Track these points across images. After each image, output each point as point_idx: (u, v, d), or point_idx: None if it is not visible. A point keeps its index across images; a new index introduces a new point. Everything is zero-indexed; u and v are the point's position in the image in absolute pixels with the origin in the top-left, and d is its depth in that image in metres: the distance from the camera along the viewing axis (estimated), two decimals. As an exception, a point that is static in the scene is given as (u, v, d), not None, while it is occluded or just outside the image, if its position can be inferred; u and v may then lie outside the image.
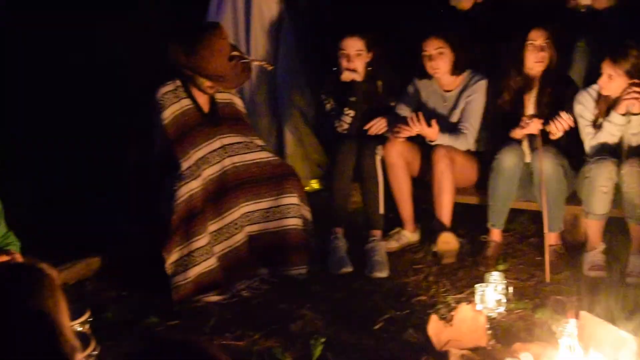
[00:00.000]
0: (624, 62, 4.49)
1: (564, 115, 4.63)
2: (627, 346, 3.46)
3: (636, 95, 4.47)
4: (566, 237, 4.87)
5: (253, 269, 4.60)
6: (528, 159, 4.86)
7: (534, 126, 4.67)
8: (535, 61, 4.80)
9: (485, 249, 4.81)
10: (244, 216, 4.59)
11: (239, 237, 4.56)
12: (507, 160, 4.73)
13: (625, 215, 4.56)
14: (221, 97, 4.65)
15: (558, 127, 4.65)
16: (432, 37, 4.93)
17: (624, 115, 4.55)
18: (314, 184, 5.61)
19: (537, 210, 4.86)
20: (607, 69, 4.54)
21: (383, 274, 4.67)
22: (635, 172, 4.44)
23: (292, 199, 4.63)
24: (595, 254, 4.61)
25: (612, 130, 4.59)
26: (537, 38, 4.77)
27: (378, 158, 4.92)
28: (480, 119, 4.98)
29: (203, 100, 4.58)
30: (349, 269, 4.72)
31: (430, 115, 4.94)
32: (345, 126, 5.03)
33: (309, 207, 4.76)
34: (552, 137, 4.69)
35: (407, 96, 5.16)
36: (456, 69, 4.99)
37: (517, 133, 4.76)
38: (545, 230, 4.63)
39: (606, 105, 4.65)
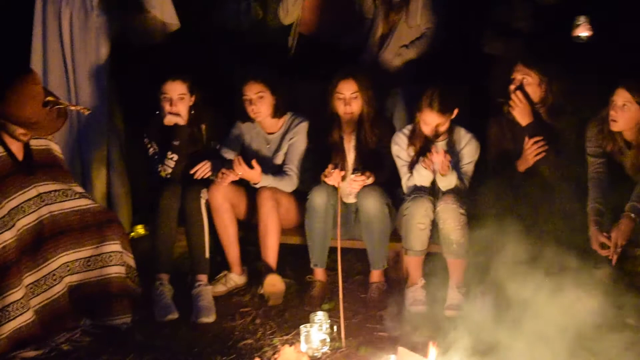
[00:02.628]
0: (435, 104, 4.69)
1: (357, 177, 4.75)
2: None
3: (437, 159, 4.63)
4: (389, 274, 5.00)
5: (74, 320, 4.45)
6: (352, 200, 4.97)
7: (335, 177, 4.69)
8: (343, 112, 4.92)
9: (310, 289, 4.86)
10: (64, 266, 4.44)
11: (58, 289, 4.40)
12: (318, 200, 4.81)
13: (443, 251, 4.72)
14: (36, 143, 4.49)
15: (354, 187, 4.79)
16: (251, 82, 4.99)
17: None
18: (140, 230, 5.51)
19: (361, 249, 4.97)
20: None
21: (209, 319, 4.63)
22: (450, 209, 4.62)
23: (114, 247, 4.53)
24: (415, 290, 4.75)
25: (422, 179, 4.76)
26: (344, 91, 4.90)
27: (203, 201, 4.90)
28: (302, 160, 5.06)
29: (16, 148, 4.41)
30: (174, 315, 4.65)
31: (254, 157, 4.97)
32: (169, 170, 4.98)
33: (132, 253, 4.67)
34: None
35: (231, 139, 5.17)
36: (277, 112, 5.07)
37: (324, 180, 4.77)
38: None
39: (420, 144, 4.82)
